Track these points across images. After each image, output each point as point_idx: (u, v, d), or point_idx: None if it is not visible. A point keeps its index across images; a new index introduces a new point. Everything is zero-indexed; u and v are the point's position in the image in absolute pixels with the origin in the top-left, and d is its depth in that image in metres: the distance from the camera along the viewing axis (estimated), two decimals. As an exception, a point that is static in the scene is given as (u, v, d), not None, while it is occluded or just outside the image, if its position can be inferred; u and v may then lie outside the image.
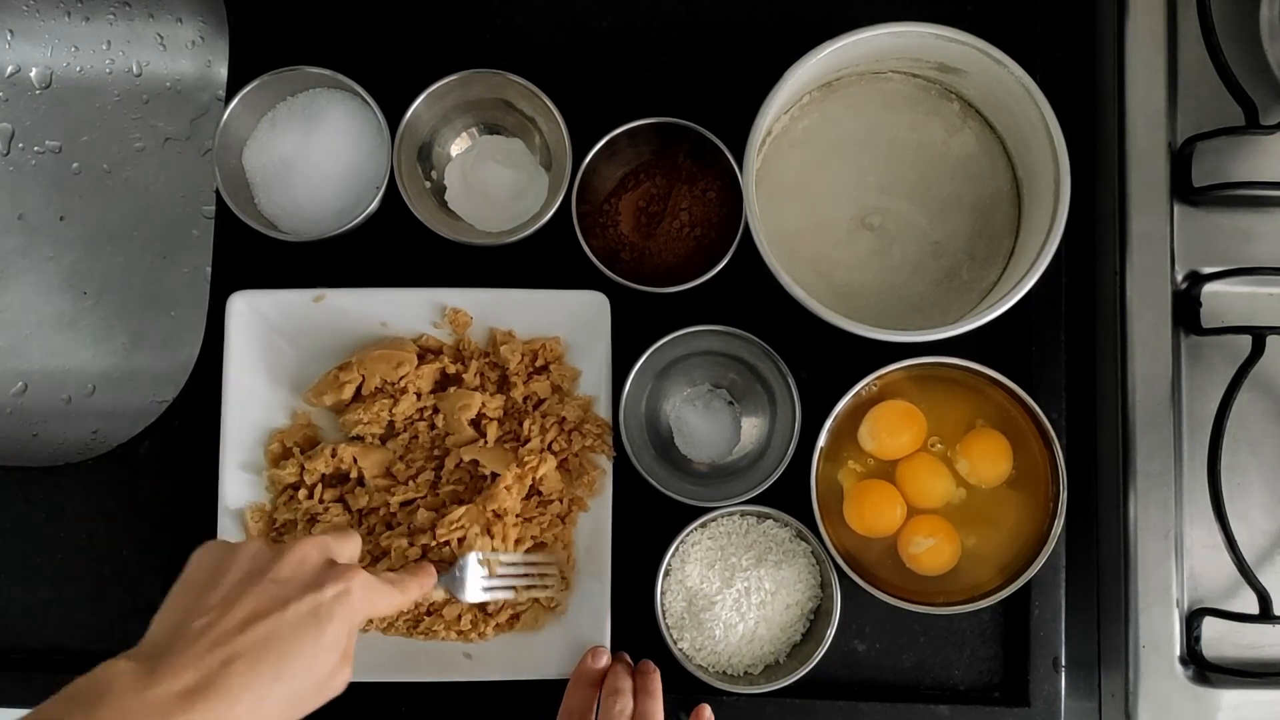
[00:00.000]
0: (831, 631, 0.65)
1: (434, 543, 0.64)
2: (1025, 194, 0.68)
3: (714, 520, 0.67)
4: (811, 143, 0.69)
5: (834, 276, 0.68)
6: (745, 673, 0.66)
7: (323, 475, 0.67)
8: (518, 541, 0.66)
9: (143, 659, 0.43)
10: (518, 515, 0.66)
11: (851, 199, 0.69)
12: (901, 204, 0.69)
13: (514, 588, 0.64)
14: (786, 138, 0.69)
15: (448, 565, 0.63)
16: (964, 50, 0.65)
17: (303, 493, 0.67)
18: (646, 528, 0.67)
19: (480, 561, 0.63)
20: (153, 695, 0.42)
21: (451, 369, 0.68)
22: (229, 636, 0.44)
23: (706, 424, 0.70)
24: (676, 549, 0.66)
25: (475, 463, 0.66)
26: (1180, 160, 0.69)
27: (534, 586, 0.65)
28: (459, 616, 0.65)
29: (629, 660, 0.65)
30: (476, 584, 0.63)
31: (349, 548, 0.53)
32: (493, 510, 0.64)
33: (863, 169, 0.69)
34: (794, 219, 0.68)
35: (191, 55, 0.84)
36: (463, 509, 0.64)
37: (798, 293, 0.62)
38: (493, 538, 0.64)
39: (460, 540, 0.63)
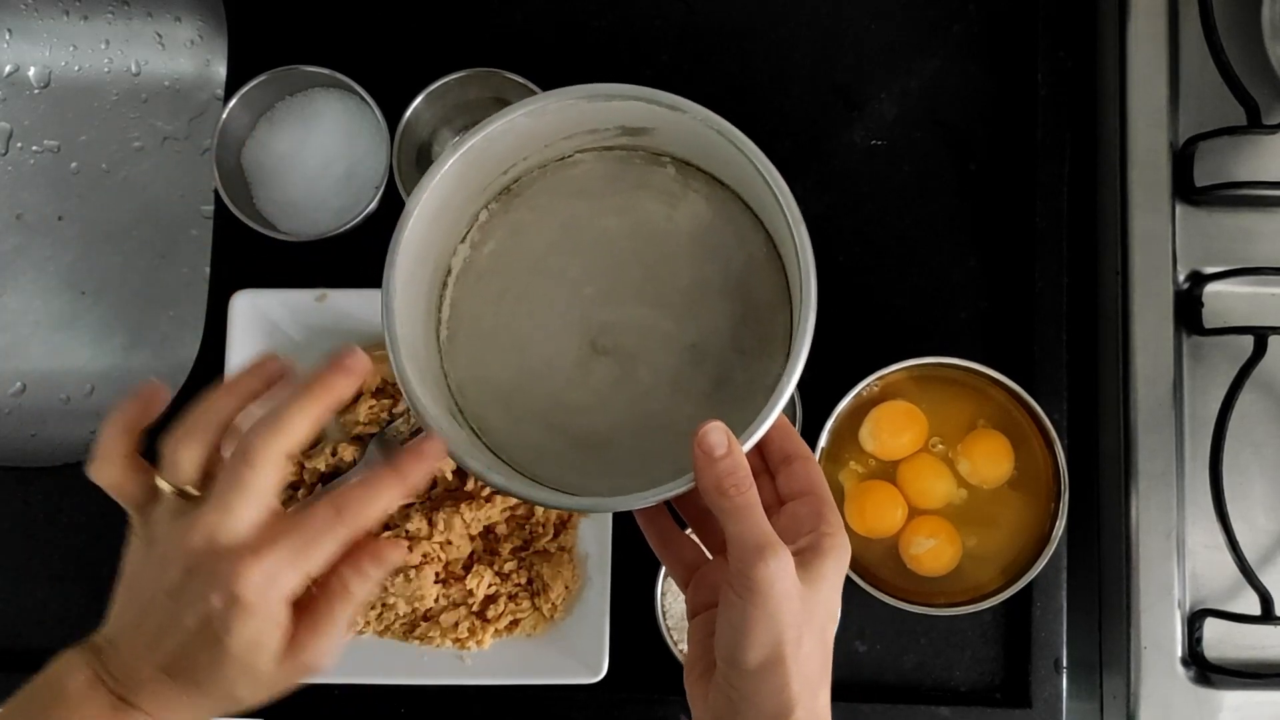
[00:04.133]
0: (832, 633, 0.65)
1: (433, 546, 0.64)
2: (783, 253, 0.52)
3: (714, 521, 0.66)
4: (504, 269, 0.54)
5: (572, 427, 0.52)
6: (746, 674, 0.66)
7: (321, 474, 0.67)
8: (513, 549, 0.67)
9: (92, 662, 0.43)
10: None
11: (571, 322, 0.53)
12: (635, 310, 0.53)
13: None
14: (472, 272, 0.54)
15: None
16: (631, 106, 0.50)
17: (302, 492, 0.67)
18: (647, 528, 0.67)
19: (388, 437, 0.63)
20: (95, 706, 0.42)
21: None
22: (149, 655, 0.42)
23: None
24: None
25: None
26: (1182, 160, 0.69)
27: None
28: (456, 624, 0.65)
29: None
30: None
31: (247, 508, 0.41)
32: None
33: (575, 281, 0.53)
34: (505, 368, 0.53)
35: (190, 54, 0.84)
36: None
37: (494, 480, 0.47)
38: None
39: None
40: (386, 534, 0.65)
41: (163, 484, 0.43)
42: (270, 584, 0.41)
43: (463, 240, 0.54)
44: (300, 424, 0.42)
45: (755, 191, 0.51)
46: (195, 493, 0.43)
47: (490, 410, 0.52)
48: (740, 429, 0.45)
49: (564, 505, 0.48)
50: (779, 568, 0.42)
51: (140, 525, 0.44)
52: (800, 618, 0.42)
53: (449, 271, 0.54)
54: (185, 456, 0.43)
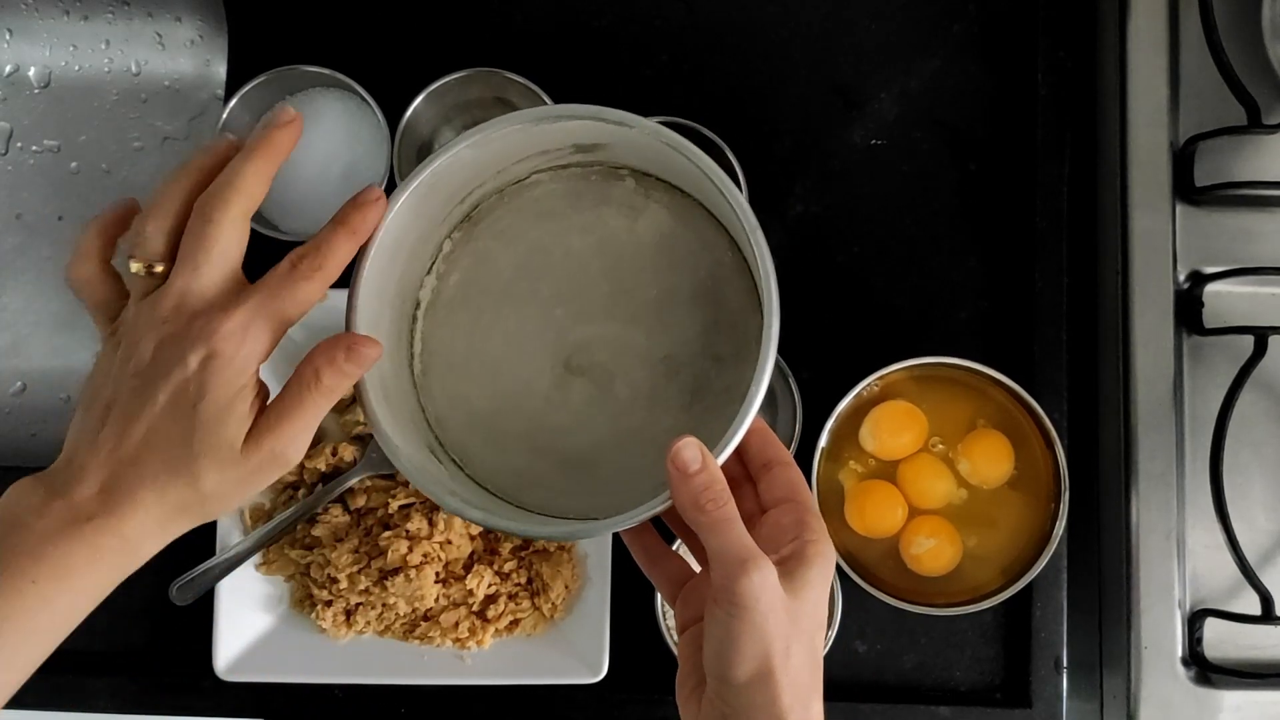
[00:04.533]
0: (833, 633, 0.65)
1: (433, 546, 0.64)
2: (748, 257, 0.52)
3: (714, 521, 0.66)
4: (473, 297, 0.54)
5: (555, 449, 0.52)
6: (746, 674, 0.66)
7: (322, 474, 0.67)
8: (513, 548, 0.67)
9: (47, 481, 0.42)
10: None
11: (545, 345, 0.53)
12: (607, 327, 0.53)
13: None
14: (441, 302, 0.54)
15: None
16: (580, 125, 0.49)
17: (302, 492, 0.67)
18: (647, 528, 0.67)
19: None
20: (52, 519, 0.41)
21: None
22: (113, 449, 0.42)
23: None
24: (678, 548, 0.66)
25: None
26: (1182, 160, 0.69)
27: None
28: (456, 624, 0.65)
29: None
30: None
31: (213, 267, 0.42)
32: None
33: (546, 303, 0.53)
34: (483, 396, 0.53)
35: (190, 54, 0.84)
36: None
37: (471, 515, 0.47)
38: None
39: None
40: (387, 534, 0.65)
41: (133, 264, 0.43)
42: (243, 337, 0.41)
43: (428, 272, 0.54)
44: (253, 181, 0.43)
45: (714, 200, 0.50)
46: (161, 269, 0.43)
47: (472, 439, 0.52)
48: (719, 437, 0.45)
49: (543, 534, 0.48)
50: (762, 580, 0.42)
51: (108, 335, 0.44)
52: (787, 629, 0.42)
53: (418, 304, 0.54)
54: (152, 229, 0.43)
